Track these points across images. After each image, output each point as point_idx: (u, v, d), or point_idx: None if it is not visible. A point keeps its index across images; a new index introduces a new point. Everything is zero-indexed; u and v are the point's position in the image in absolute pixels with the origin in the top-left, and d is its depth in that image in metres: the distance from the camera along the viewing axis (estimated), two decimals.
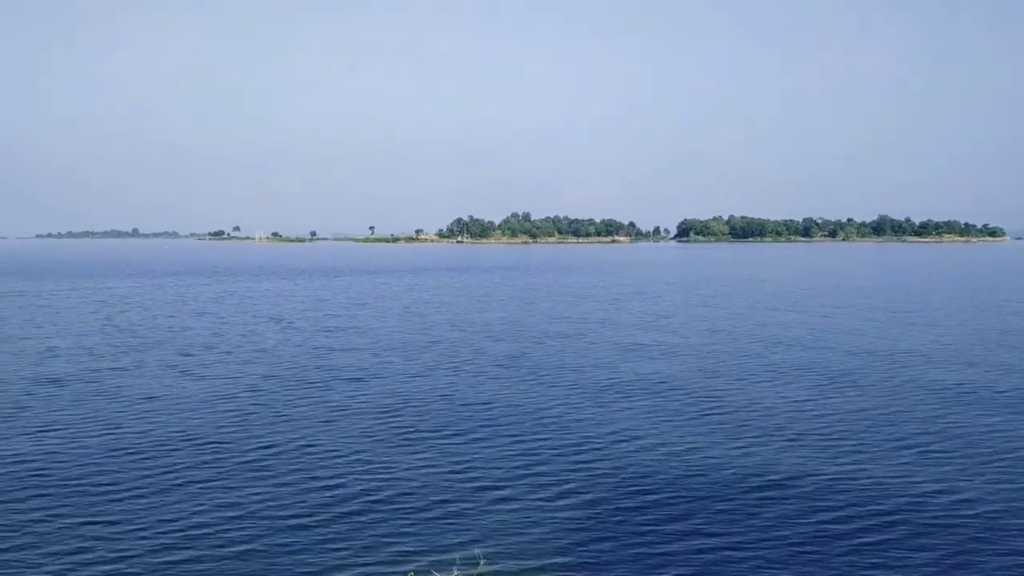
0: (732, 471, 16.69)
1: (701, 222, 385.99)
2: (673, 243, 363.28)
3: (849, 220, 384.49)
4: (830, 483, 15.91)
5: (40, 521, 13.78)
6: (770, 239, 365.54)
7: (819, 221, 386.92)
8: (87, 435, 19.47)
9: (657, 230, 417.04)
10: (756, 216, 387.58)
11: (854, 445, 18.63)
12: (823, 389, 25.19)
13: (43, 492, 15.28)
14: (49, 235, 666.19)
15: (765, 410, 22.28)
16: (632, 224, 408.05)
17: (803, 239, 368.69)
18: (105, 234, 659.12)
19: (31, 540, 12.99)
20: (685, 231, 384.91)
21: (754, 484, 15.85)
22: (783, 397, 24.04)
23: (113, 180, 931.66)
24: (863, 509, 14.48)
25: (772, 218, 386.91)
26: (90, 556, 12.40)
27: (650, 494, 15.30)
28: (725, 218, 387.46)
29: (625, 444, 18.81)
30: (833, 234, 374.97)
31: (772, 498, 15.06)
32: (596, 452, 18.17)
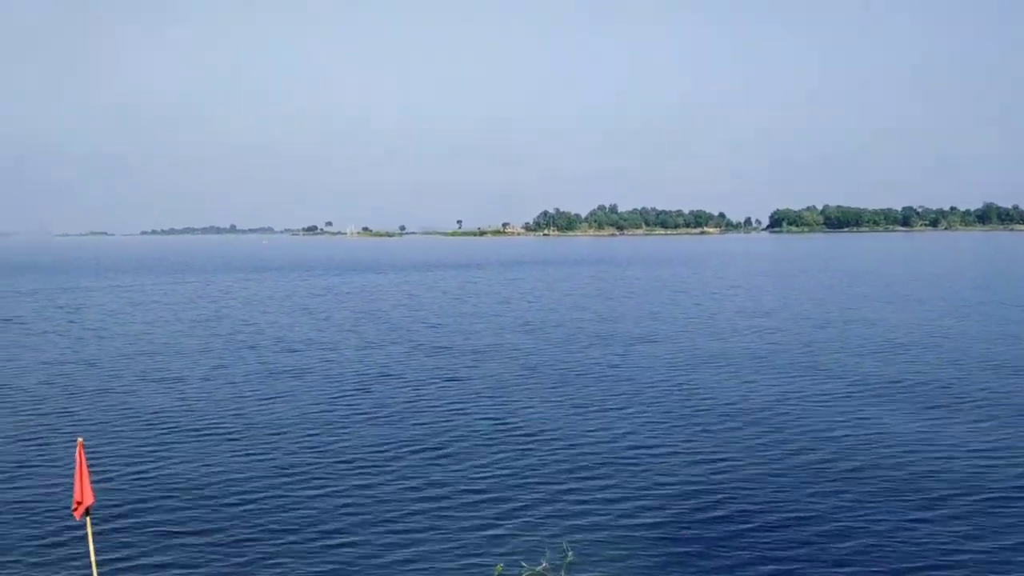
0: (852, 483, 15.67)
1: (794, 212, 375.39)
2: (765, 234, 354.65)
3: (952, 208, 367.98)
4: (983, 502, 14.78)
5: (154, 523, 13.95)
6: (867, 229, 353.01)
7: (919, 210, 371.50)
8: (202, 433, 19.78)
9: (748, 221, 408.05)
10: (852, 205, 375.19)
11: (980, 458, 17.35)
12: (951, 401, 23.73)
13: (164, 494, 15.52)
14: (153, 231, 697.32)
15: (881, 419, 21.04)
16: (722, 215, 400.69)
17: (902, 228, 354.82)
18: (205, 230, 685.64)
19: (154, 544, 13.14)
20: (777, 221, 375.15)
21: (873, 502, 14.83)
22: (908, 403, 22.69)
23: (213, 179, 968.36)
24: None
25: (869, 207, 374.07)
26: (202, 556, 12.43)
27: (759, 511, 14.43)
28: (819, 208, 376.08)
29: (735, 449, 17.95)
30: (935, 223, 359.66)
31: (898, 521, 14.03)
32: (703, 456, 17.36)
